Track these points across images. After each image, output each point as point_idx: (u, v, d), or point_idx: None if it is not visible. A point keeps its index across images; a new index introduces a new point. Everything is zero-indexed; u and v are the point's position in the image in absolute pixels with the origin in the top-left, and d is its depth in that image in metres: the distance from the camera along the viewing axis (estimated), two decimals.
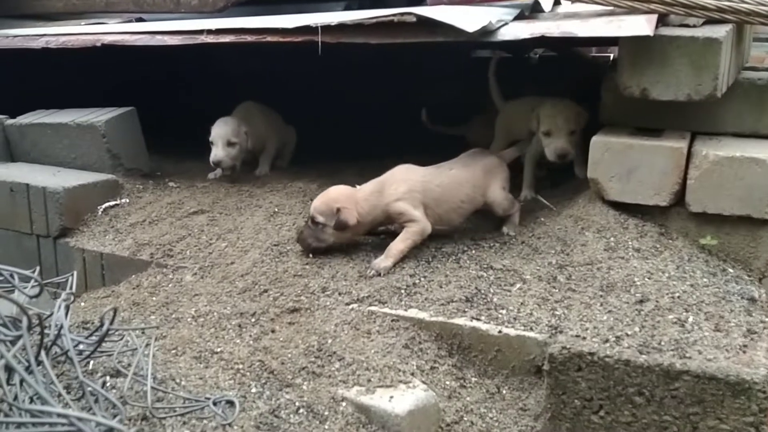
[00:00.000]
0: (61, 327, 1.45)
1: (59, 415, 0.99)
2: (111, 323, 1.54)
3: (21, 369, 1.03)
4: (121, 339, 2.11)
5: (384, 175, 2.86)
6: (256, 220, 3.14)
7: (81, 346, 1.80)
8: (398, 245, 2.69)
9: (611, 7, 2.80)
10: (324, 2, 4.06)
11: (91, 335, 1.65)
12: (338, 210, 2.69)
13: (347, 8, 4.01)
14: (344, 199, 2.74)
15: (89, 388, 1.42)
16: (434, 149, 3.21)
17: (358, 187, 2.85)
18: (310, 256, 2.79)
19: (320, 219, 2.72)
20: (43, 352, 1.44)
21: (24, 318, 1.20)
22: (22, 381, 1.54)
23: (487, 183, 2.92)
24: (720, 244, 2.63)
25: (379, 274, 2.61)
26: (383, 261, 2.65)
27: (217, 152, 3.62)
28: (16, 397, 1.45)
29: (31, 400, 1.53)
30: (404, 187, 2.77)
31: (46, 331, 1.43)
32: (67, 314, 1.48)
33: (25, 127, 3.74)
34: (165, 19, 4.05)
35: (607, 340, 2.08)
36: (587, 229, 2.70)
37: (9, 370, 1.38)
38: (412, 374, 2.16)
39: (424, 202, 2.78)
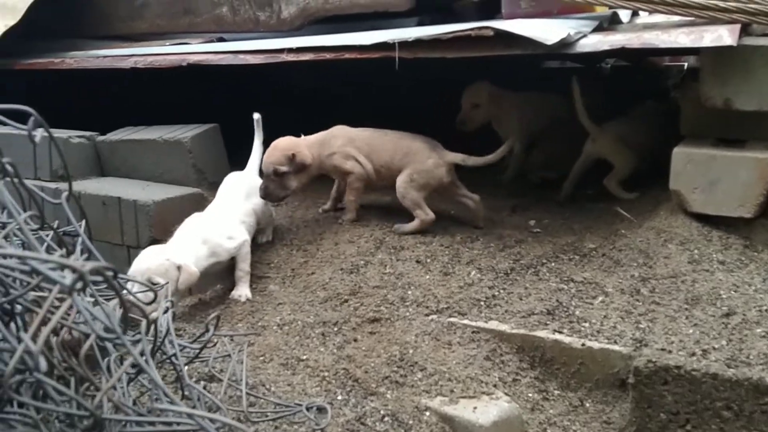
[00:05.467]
0: (168, 332, 1.53)
1: (188, 415, 1.06)
2: (215, 329, 1.63)
3: (150, 370, 1.11)
4: (214, 346, 2.21)
5: (324, 132, 3.25)
6: (335, 231, 3.21)
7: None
8: (348, 197, 3.22)
9: (691, 18, 2.77)
10: (397, 18, 4.11)
11: (194, 341, 1.74)
12: (293, 155, 3.06)
13: (419, 24, 4.05)
14: (294, 145, 3.12)
15: (194, 391, 1.50)
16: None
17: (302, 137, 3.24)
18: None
19: (282, 169, 3.06)
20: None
21: (143, 322, 1.29)
22: (129, 382, 1.64)
23: (402, 165, 3.13)
24: None
25: (341, 223, 3.21)
26: (345, 215, 3.24)
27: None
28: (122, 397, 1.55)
29: (134, 402, 1.62)
30: (341, 140, 3.19)
31: (149, 336, 1.53)
32: (173, 320, 1.56)
33: (115, 144, 3.92)
34: (245, 39, 4.18)
35: (693, 354, 2.06)
36: (670, 242, 2.66)
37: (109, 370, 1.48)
38: (495, 386, 2.19)
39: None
